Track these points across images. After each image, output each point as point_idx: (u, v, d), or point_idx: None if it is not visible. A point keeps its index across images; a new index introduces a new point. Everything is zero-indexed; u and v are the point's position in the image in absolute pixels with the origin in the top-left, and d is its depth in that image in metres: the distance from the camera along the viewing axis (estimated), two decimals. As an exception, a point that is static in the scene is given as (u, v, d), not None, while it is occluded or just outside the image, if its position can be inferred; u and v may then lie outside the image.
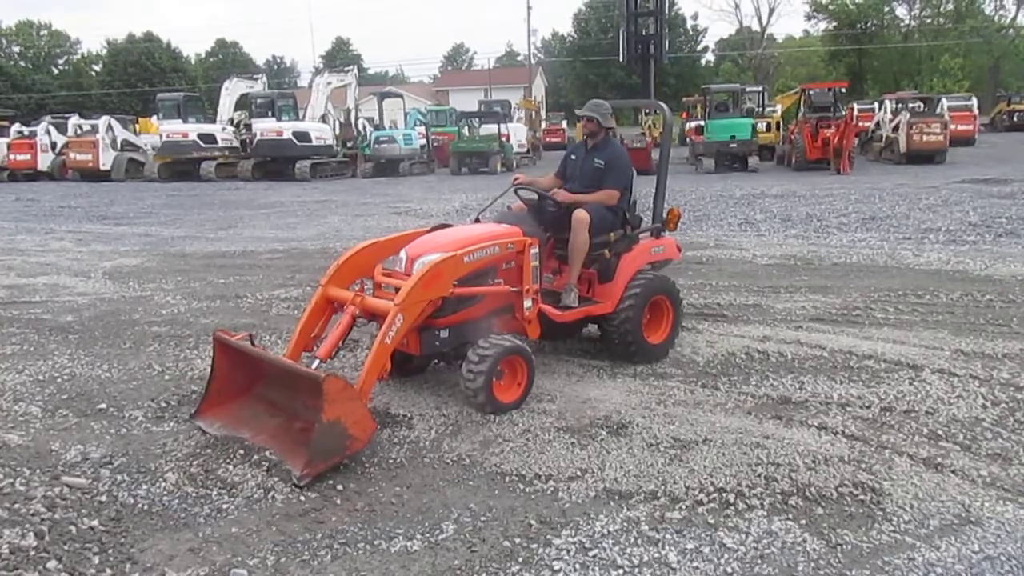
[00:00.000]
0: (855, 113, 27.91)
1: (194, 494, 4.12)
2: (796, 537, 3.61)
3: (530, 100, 44.73)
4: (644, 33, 25.19)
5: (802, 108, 29.02)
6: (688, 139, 33.71)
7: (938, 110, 31.02)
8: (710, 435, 4.70)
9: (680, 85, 69.51)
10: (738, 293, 8.44)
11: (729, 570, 3.37)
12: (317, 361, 4.83)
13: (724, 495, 3.99)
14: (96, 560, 3.39)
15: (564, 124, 47.89)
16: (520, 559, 3.48)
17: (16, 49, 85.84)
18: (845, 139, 23.81)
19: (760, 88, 36.68)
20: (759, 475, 4.19)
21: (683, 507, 3.90)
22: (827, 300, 8.04)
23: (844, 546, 3.54)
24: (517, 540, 3.63)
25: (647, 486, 4.12)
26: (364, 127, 32.24)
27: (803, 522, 3.74)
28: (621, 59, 26.87)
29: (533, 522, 3.79)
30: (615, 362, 6.20)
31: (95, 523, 3.73)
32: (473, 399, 5.06)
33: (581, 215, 5.78)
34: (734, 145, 25.83)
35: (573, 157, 6.45)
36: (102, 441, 4.85)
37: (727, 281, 9.01)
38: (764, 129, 30.68)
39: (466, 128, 30.64)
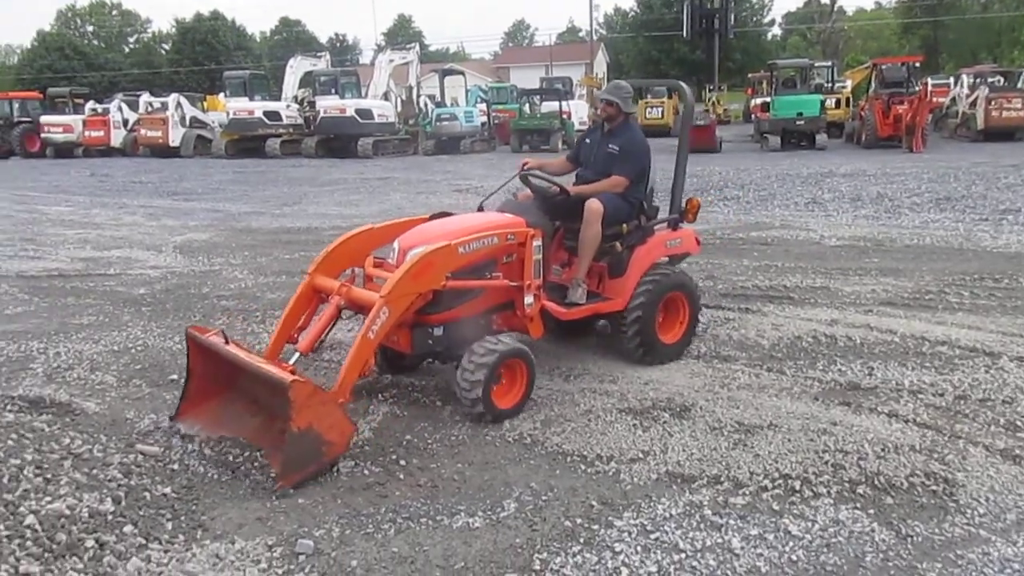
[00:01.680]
0: (929, 88, 26.94)
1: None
2: (864, 527, 3.53)
3: (592, 77, 44.36)
4: (709, 7, 24.68)
5: (873, 84, 28.12)
6: (753, 116, 33.03)
7: (1019, 84, 29.74)
8: (775, 420, 4.62)
9: (745, 60, 68.04)
10: (805, 275, 8.25)
11: (794, 558, 3.32)
12: (297, 355, 4.52)
13: (789, 482, 3.92)
14: (169, 526, 3.49)
15: (626, 101, 47.27)
16: (581, 539, 3.48)
17: (89, 28, 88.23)
18: (918, 115, 23.04)
19: (829, 63, 35.62)
20: (826, 462, 4.10)
21: (747, 492, 3.85)
22: (898, 283, 7.82)
23: (914, 537, 3.45)
24: (578, 520, 3.63)
25: (710, 470, 4.08)
26: (425, 104, 32.36)
27: (872, 512, 3.66)
28: (685, 34, 26.56)
29: (594, 503, 3.79)
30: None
31: (168, 490, 3.84)
32: (471, 409, 4.70)
33: (594, 205, 5.38)
34: (801, 122, 25.18)
35: (588, 141, 6.06)
36: (173, 410, 4.98)
37: (793, 263, 8.82)
38: (833, 105, 29.83)
39: (527, 105, 30.54)
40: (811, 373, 5.45)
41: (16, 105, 34.36)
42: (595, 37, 72.85)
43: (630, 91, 5.84)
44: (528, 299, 5.11)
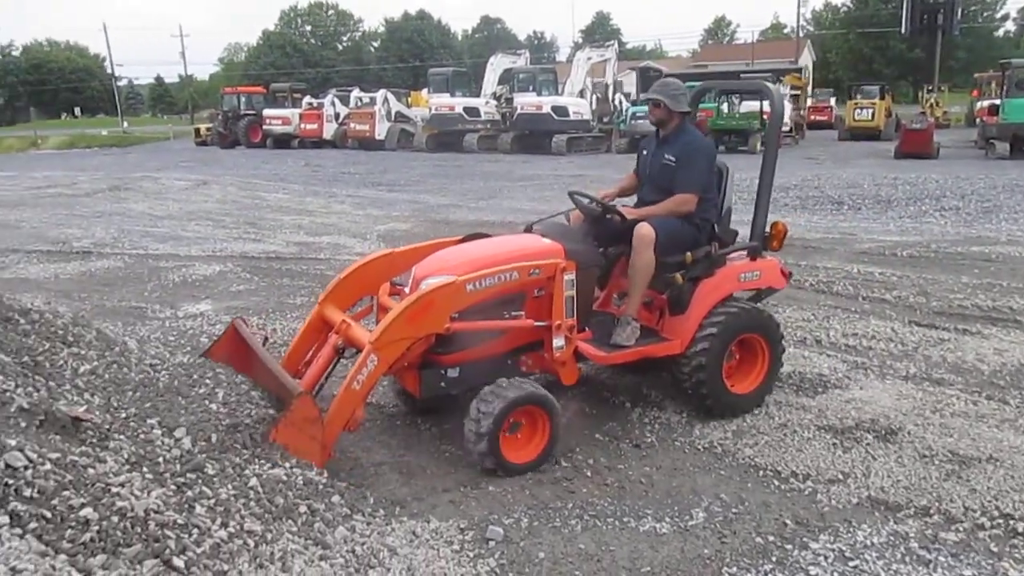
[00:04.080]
0: None
1: (450, 452, 4.38)
2: (1100, 580, 3.18)
3: (797, 76, 42.38)
4: (932, 1, 22.88)
5: None
6: (978, 120, 30.37)
7: None
8: (996, 453, 4.24)
9: (971, 59, 62.72)
10: (1034, 296, 7.50)
11: (1014, 605, 3.04)
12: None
13: (1011, 523, 3.58)
14: (371, 500, 3.70)
15: (832, 101, 44.86)
16: (773, 558, 3.36)
17: (308, 28, 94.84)
18: None
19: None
20: (1055, 504, 3.72)
21: (960, 529, 3.56)
22: None
23: None
24: (771, 538, 3.51)
25: (918, 500, 3.80)
26: (620, 102, 32.27)
27: (1110, 564, 3.28)
28: (903, 30, 24.77)
29: (788, 521, 3.64)
30: (884, 360, 5.78)
31: (375, 461, 4.08)
32: (479, 463, 4.06)
33: (644, 230, 4.56)
34: (1035, 128, 22.84)
35: (644, 152, 5.14)
36: (375, 391, 5.27)
37: (1021, 283, 8.03)
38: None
39: (725, 105, 29.70)
40: (1039, 405, 4.95)
41: (243, 99, 37.57)
42: (802, 34, 69.73)
43: (681, 88, 4.94)
44: (558, 342, 4.36)
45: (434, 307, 3.95)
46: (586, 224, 4.89)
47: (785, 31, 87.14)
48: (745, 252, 5.03)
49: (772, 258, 5.16)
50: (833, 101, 45.20)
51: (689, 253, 4.72)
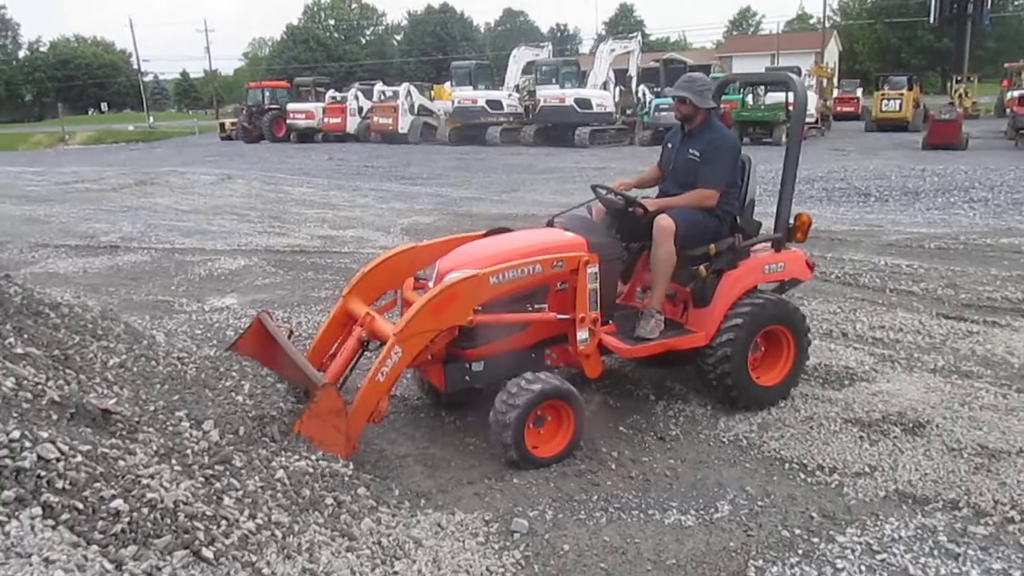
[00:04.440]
0: None
1: (474, 444, 4.40)
2: None
3: (822, 67, 41.88)
4: (962, -10, 22.54)
5: None
6: (1008, 110, 29.88)
7: None
8: (1026, 447, 4.19)
9: (1001, 48, 61.63)
10: (1065, 288, 7.39)
11: (1045, 600, 3.01)
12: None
13: (1042, 516, 3.55)
14: (396, 492, 3.73)
15: (859, 92, 44.34)
16: (800, 551, 3.34)
17: (331, 22, 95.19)
18: None
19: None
20: (1087, 499, 3.67)
21: (990, 522, 3.53)
22: None
23: None
24: (797, 531, 3.49)
25: (947, 494, 3.77)
26: (644, 94, 32.09)
27: None
28: (931, 20, 24.40)
29: (815, 515, 3.62)
30: (911, 353, 5.73)
31: (400, 452, 4.11)
32: (502, 455, 4.09)
33: (664, 223, 4.58)
34: (1067, 118, 22.49)
35: (670, 146, 5.17)
36: (399, 384, 5.30)
37: (1052, 274, 7.92)
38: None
39: (750, 96, 29.45)
40: (1071, 398, 4.88)
41: (267, 93, 37.74)
42: (828, 24, 68.97)
43: (707, 83, 4.93)
44: (582, 335, 4.39)
45: (458, 299, 3.98)
46: (608, 217, 4.88)
47: (811, 22, 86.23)
48: (769, 244, 5.01)
49: (796, 249, 5.12)
50: (859, 92, 44.67)
51: (712, 245, 4.70)
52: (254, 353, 4.39)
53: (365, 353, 4.35)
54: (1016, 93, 29.69)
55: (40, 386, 3.13)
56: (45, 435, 2.70)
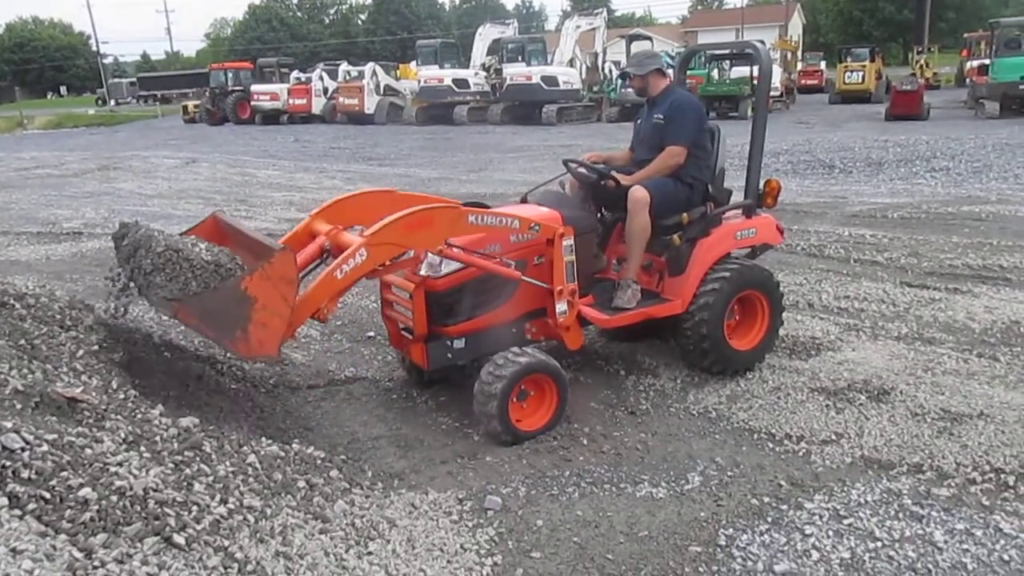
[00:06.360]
0: None
1: (447, 423, 4.41)
2: (1090, 532, 3.23)
3: (786, 40, 42.06)
4: (922, -39, 22.71)
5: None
6: (968, 80, 30.27)
7: None
8: (987, 410, 4.28)
9: (960, 19, 62.35)
10: (1024, 254, 7.54)
11: (1006, 557, 3.09)
12: None
13: (1002, 476, 3.64)
14: (369, 473, 3.73)
15: (822, 65, 44.60)
16: (769, 519, 3.40)
17: (294, 1, 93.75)
18: None
19: (1062, 20, 31.94)
20: (1046, 459, 3.77)
21: (952, 484, 3.61)
22: None
23: None
24: (766, 499, 3.55)
25: (911, 458, 3.85)
26: (610, 71, 32.04)
27: (1099, 516, 3.33)
28: (893, -8, 24.44)
29: (783, 483, 3.68)
30: (876, 322, 5.82)
31: (373, 434, 4.10)
32: (486, 426, 4.13)
33: (638, 194, 4.64)
34: (1024, 87, 22.80)
35: (639, 121, 5.26)
36: (371, 365, 5.31)
37: (1011, 240, 8.07)
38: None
39: (715, 71, 29.52)
40: (1030, 362, 5.00)
41: (230, 75, 37.14)
42: (791, -3, 69.11)
43: (655, 57, 5.17)
44: (561, 307, 4.46)
45: (433, 224, 3.94)
46: (582, 191, 4.96)
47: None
48: (740, 210, 5.10)
49: (767, 215, 5.21)
50: (823, 65, 44.95)
51: (685, 214, 4.79)
52: (209, 237, 4.06)
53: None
54: (975, 63, 30.02)
55: (3, 375, 3.08)
56: (9, 424, 2.66)
